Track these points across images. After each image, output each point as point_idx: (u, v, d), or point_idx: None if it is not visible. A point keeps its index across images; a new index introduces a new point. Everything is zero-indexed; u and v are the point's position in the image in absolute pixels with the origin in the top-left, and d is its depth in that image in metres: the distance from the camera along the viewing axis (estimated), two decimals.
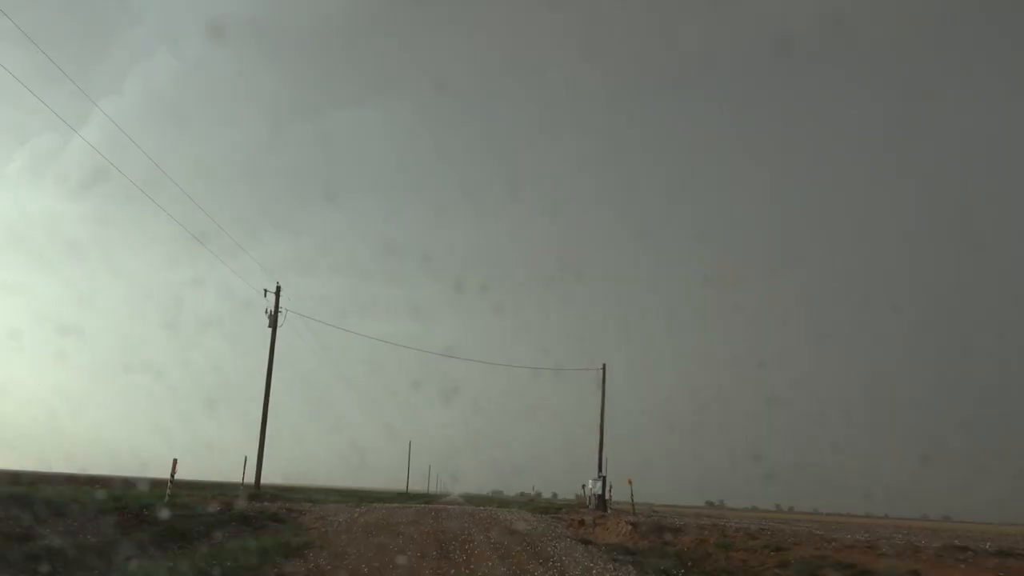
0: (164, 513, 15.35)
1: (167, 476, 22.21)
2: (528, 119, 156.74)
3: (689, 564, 15.08)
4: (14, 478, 25.10)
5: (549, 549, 16.59)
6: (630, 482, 33.37)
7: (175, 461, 21.99)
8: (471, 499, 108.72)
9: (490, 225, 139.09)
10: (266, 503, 26.66)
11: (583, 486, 48.41)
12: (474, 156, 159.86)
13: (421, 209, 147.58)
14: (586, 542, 19.07)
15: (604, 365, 43.81)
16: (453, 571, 12.41)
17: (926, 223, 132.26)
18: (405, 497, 79.60)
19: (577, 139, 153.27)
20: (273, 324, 33.96)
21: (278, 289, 34.39)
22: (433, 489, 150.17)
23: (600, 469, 42.47)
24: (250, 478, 32.42)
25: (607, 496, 39.54)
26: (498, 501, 67.59)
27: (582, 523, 25.77)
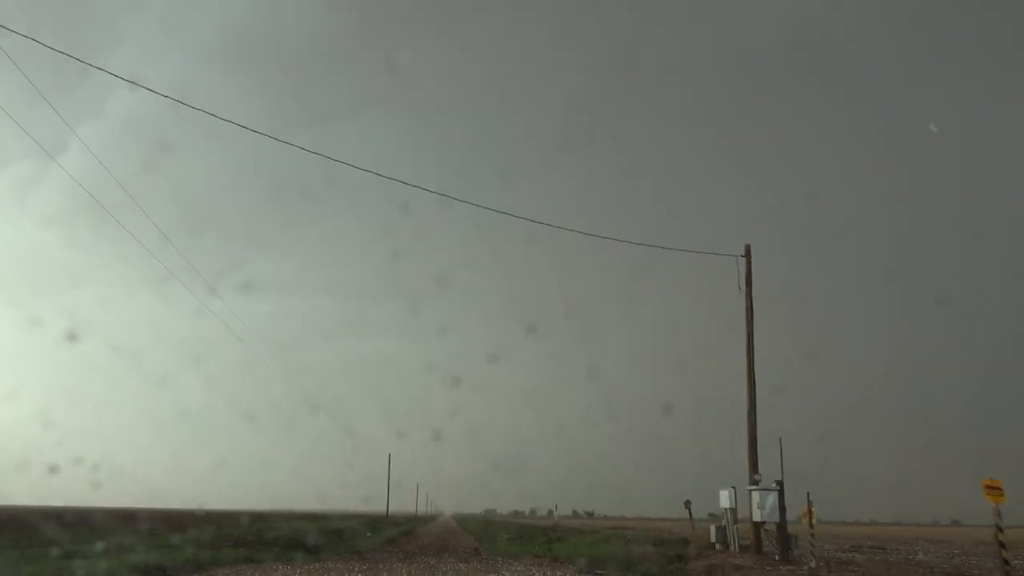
0: None
1: None
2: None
3: None
4: None
5: None
6: (996, 494, 10.54)
7: None
8: (464, 521, 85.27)
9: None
10: None
11: (687, 504, 25.58)
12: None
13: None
14: None
15: (748, 247, 21.06)
16: None
17: None
18: (380, 524, 56.25)
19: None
20: None
21: None
22: (422, 510, 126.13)
23: (756, 466, 19.43)
24: None
25: (810, 527, 16.35)
26: (517, 528, 44.18)
27: None
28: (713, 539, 21.36)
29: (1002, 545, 11.78)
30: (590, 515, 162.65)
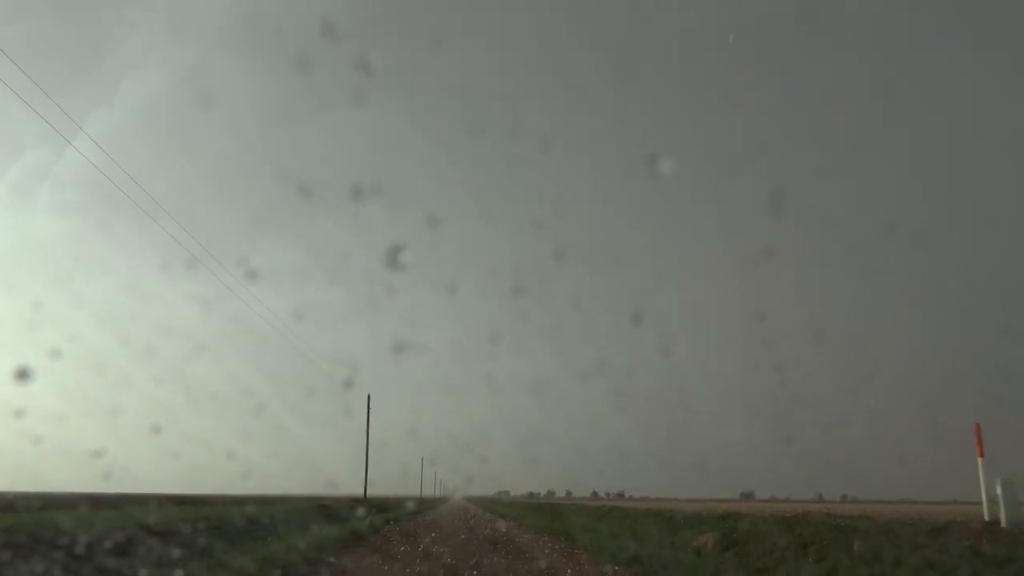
0: None
1: None
2: None
3: None
4: None
5: None
6: None
7: None
8: (493, 507, 68.05)
9: None
10: None
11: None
12: None
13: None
14: None
15: None
16: None
17: None
18: (340, 514, 39.10)
19: None
20: None
21: None
22: (430, 492, 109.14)
23: None
24: None
25: None
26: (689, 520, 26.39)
27: None
28: None
29: None
30: (620, 496, 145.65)
